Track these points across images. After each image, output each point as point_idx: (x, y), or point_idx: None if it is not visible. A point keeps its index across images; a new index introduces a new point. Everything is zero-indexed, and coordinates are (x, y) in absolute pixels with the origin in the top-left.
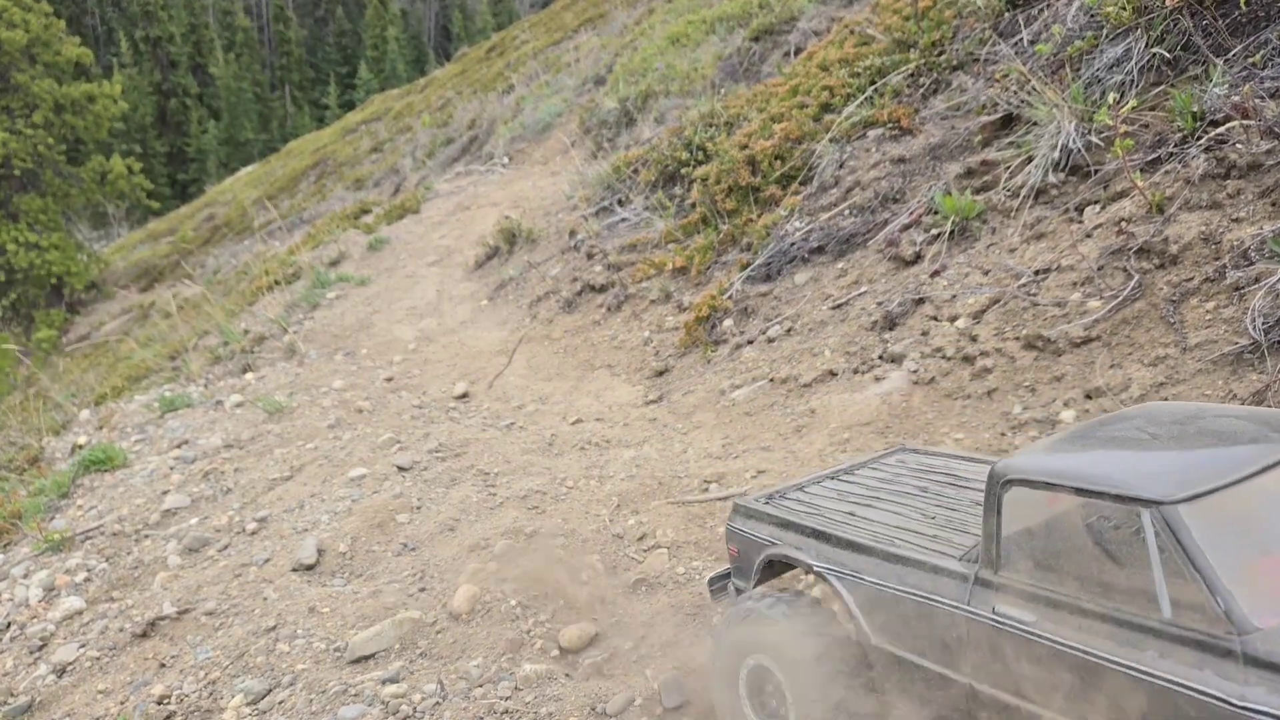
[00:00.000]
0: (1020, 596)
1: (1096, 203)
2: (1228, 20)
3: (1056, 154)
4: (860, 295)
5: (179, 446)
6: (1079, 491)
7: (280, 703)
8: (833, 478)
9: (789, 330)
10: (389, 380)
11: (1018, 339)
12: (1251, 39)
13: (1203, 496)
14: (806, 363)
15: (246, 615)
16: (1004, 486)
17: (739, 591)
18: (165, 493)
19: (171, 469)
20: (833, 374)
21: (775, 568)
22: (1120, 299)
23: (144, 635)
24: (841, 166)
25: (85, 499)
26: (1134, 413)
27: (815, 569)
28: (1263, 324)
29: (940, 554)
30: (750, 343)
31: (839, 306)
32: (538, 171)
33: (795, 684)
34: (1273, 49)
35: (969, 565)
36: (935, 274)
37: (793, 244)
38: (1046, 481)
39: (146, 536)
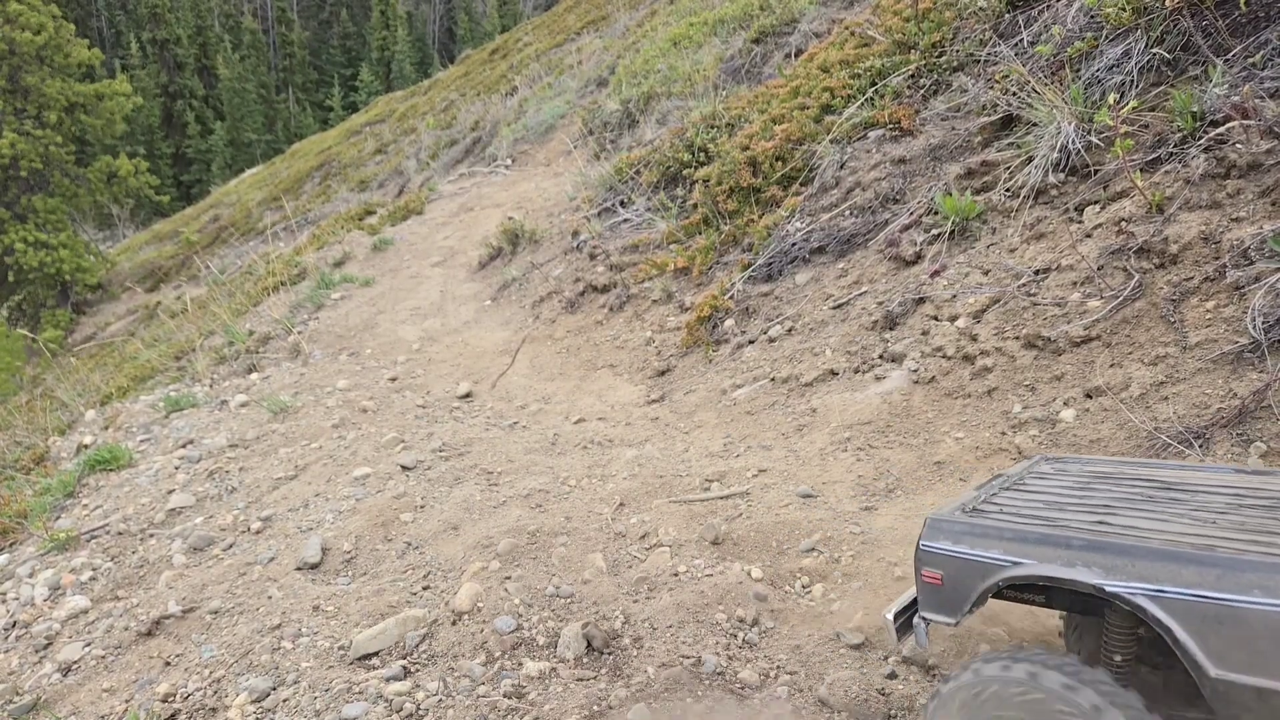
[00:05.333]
0: None
1: (1096, 203)
2: (1228, 21)
3: (1056, 154)
4: (861, 295)
5: (184, 446)
6: None
7: (284, 701)
8: (1010, 488)
9: (790, 330)
10: (393, 380)
11: (1018, 338)
12: (1251, 39)
13: None
14: (807, 362)
15: (251, 614)
16: None
17: (928, 624)
18: (170, 492)
19: (177, 468)
20: (834, 373)
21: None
22: (1120, 298)
23: (149, 634)
24: (842, 167)
25: (91, 498)
26: None
27: (1109, 590)
28: (1263, 323)
29: None
30: (751, 342)
31: (840, 306)
32: (541, 173)
33: None
34: (1273, 49)
35: None
36: (935, 274)
37: (794, 244)
38: None
39: (152, 535)
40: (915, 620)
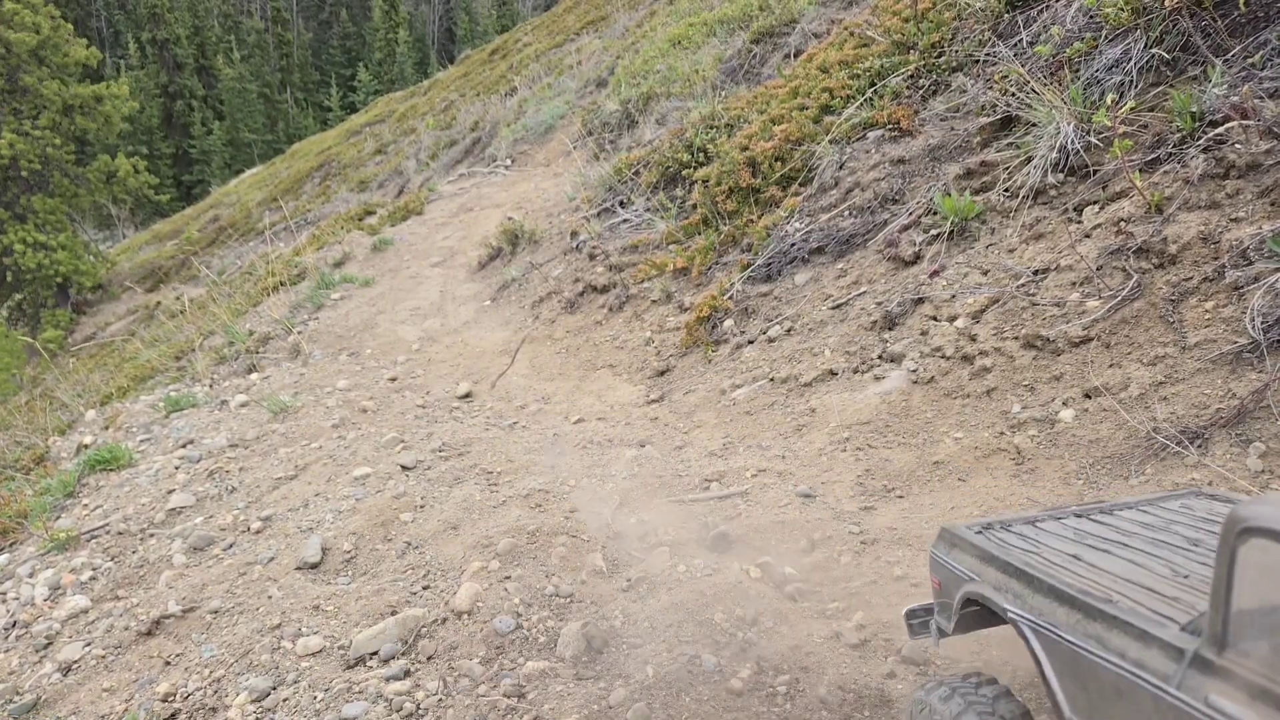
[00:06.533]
0: (1245, 690)
1: (1095, 203)
2: (1227, 21)
3: (1055, 154)
4: (860, 295)
5: (184, 446)
6: None
7: (284, 700)
8: (1081, 514)
9: (789, 330)
10: (393, 380)
11: (1017, 338)
12: (1250, 39)
13: None
14: (807, 362)
15: (251, 613)
16: (1240, 537)
17: (941, 633)
18: (170, 492)
19: (177, 468)
20: (833, 373)
21: (983, 611)
22: (1119, 298)
23: (149, 633)
24: (841, 168)
25: (91, 498)
26: None
27: (1010, 615)
28: (1261, 323)
29: (1158, 618)
30: (751, 343)
31: (839, 306)
32: (540, 173)
33: None
34: (1271, 49)
35: (1189, 638)
36: (934, 274)
37: (793, 245)
38: None
39: (152, 535)
40: (931, 623)
